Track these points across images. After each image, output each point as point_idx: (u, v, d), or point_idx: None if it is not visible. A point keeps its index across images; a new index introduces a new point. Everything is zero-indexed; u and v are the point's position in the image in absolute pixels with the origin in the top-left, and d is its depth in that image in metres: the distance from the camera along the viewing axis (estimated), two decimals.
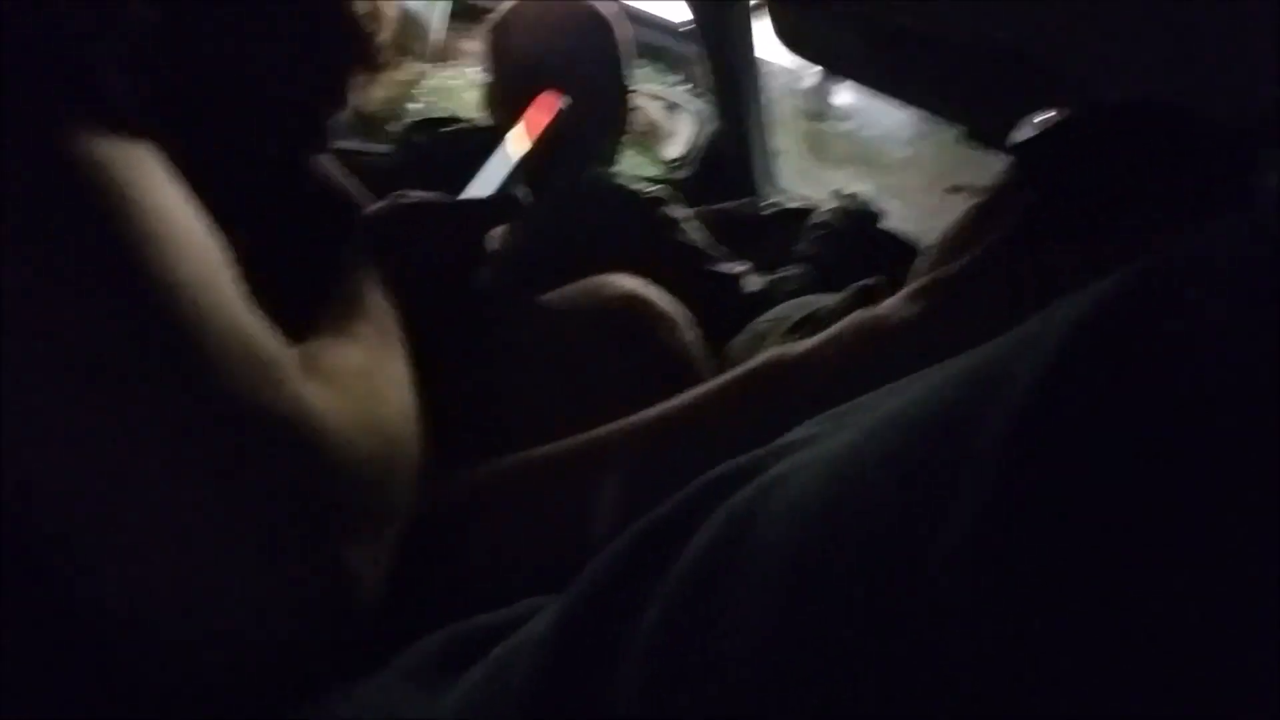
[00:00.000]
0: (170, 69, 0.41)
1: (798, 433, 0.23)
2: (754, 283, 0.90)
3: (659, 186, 0.86)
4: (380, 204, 0.54)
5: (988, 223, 0.61)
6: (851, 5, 0.94)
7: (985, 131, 1.01)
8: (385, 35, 0.56)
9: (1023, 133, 0.97)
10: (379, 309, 0.45)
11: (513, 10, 0.87)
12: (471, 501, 0.46)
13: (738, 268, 0.89)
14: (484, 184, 0.57)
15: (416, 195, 0.54)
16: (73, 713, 0.29)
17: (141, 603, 0.27)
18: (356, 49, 0.53)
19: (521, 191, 0.56)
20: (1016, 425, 0.15)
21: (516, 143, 0.58)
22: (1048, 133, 0.63)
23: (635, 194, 0.83)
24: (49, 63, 0.29)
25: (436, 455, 0.51)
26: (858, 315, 0.44)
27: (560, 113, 0.59)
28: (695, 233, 0.87)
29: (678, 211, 0.86)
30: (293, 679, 0.29)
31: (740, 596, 0.17)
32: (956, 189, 0.70)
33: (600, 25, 0.88)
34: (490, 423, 0.53)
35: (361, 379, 0.36)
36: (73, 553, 0.27)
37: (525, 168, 0.57)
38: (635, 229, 0.81)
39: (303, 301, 0.43)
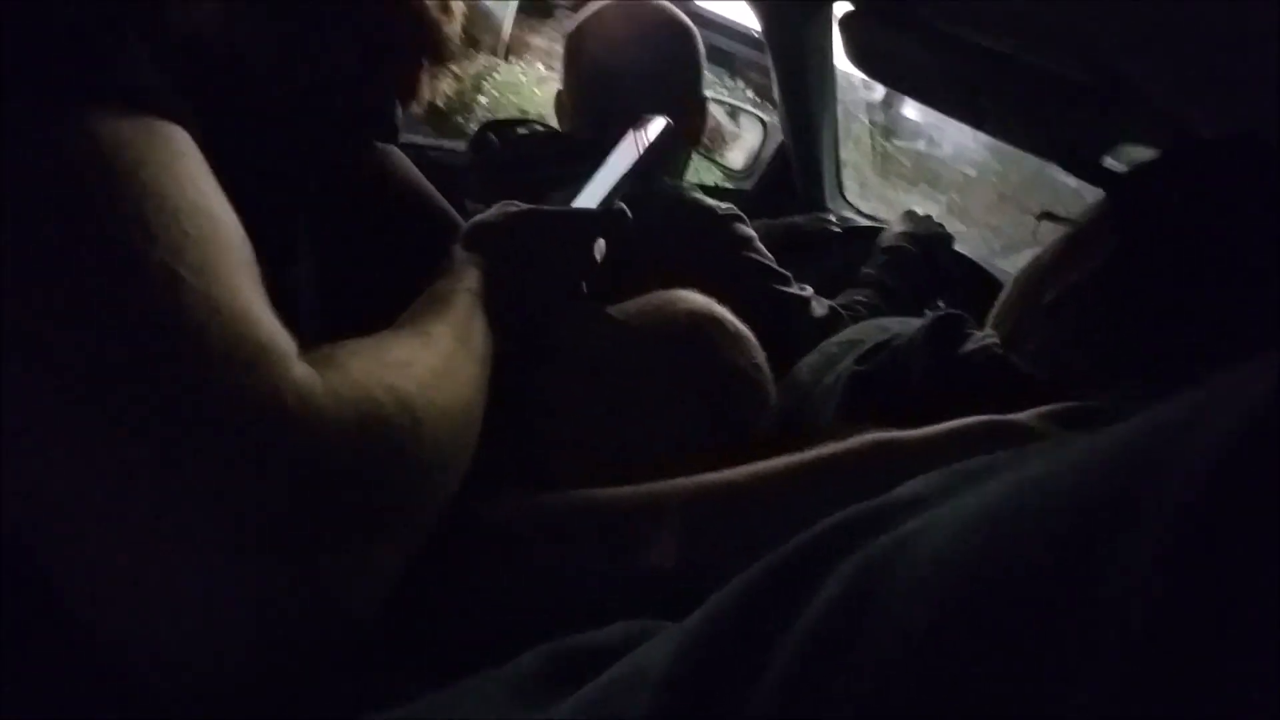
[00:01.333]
0: (233, 57, 0.42)
1: (915, 488, 0.22)
2: (820, 307, 0.88)
3: (729, 204, 0.85)
4: (490, 212, 0.54)
5: (1076, 259, 0.59)
6: (923, 24, 0.91)
7: (1065, 161, 0.97)
8: (454, 27, 0.56)
9: (1117, 165, 0.94)
10: (466, 315, 0.44)
11: (591, 17, 0.86)
12: (535, 528, 0.45)
13: (805, 291, 0.88)
14: (590, 196, 0.57)
15: (525, 205, 0.54)
16: (69, 713, 0.29)
17: (110, 595, 0.27)
18: (425, 41, 0.53)
19: (623, 208, 0.56)
20: (1209, 479, 0.14)
21: (623, 157, 0.58)
22: (1145, 168, 0.60)
23: (709, 210, 0.82)
24: (69, 38, 0.29)
25: (500, 462, 0.51)
26: (993, 419, 0.41)
27: (667, 130, 0.59)
28: (764, 253, 0.85)
29: (747, 230, 0.84)
30: (277, 679, 0.29)
31: (872, 657, 0.16)
32: (1046, 217, 0.67)
33: (679, 34, 0.87)
34: (554, 433, 0.53)
35: (401, 381, 0.34)
36: (47, 544, 0.27)
37: (631, 184, 0.57)
38: (706, 245, 0.80)
39: (380, 292, 0.44)
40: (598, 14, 0.86)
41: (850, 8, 1.01)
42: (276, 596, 0.28)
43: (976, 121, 1.06)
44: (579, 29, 0.86)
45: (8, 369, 0.26)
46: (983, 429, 0.40)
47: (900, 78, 1.10)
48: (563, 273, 0.53)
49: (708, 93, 1.69)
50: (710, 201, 0.83)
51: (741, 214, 0.84)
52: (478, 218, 0.52)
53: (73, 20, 0.29)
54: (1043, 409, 0.41)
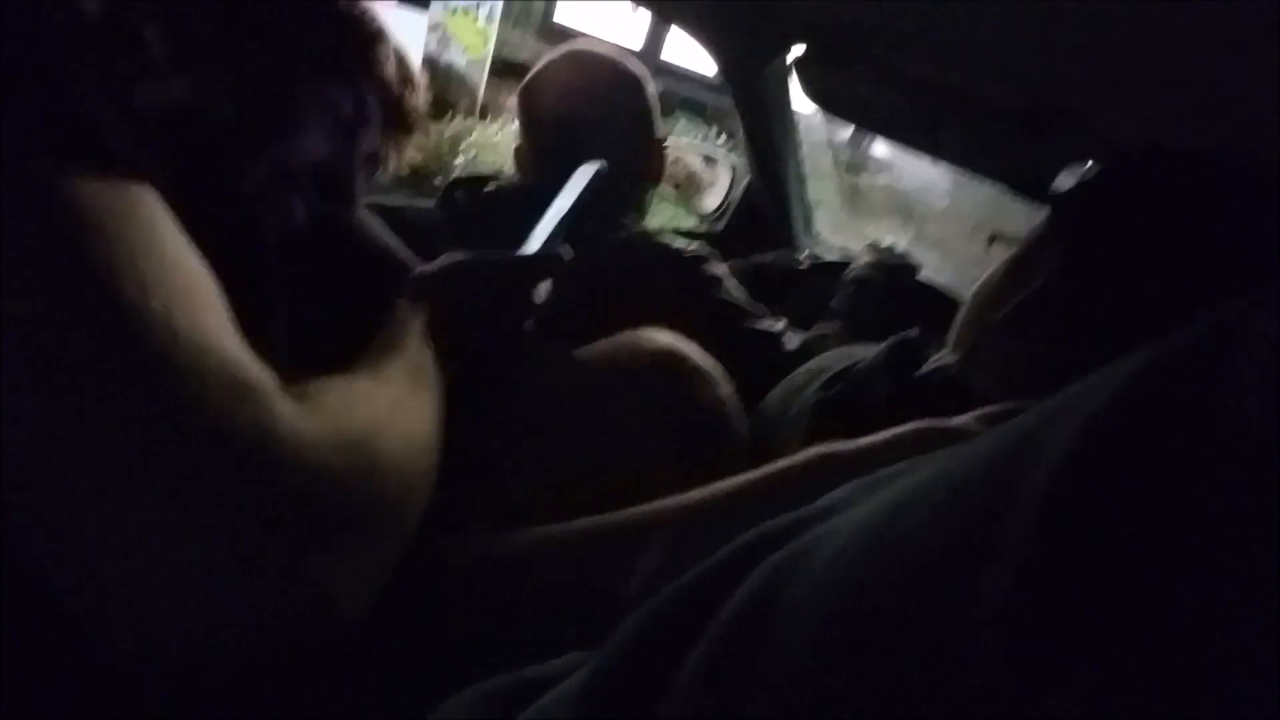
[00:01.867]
0: (191, 119, 0.44)
1: (834, 496, 0.23)
2: (793, 340, 0.89)
3: (699, 243, 0.87)
4: (433, 264, 0.56)
5: (1023, 275, 0.61)
6: (875, 63, 0.95)
7: (1021, 185, 1.00)
8: (417, 99, 0.59)
9: (1060, 184, 0.97)
10: (416, 355, 0.47)
11: (541, 71, 0.89)
12: (517, 561, 0.46)
13: (778, 325, 0.90)
14: (532, 242, 0.59)
15: (465, 254, 0.56)
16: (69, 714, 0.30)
17: (109, 611, 0.28)
18: (390, 114, 0.55)
19: (564, 248, 0.59)
20: (1052, 487, 0.15)
21: (562, 202, 0.60)
22: (1082, 185, 0.63)
23: (678, 252, 0.84)
24: (41, 100, 0.31)
25: (473, 506, 0.52)
26: (926, 424, 0.43)
27: (598, 175, 0.61)
28: (735, 291, 0.87)
29: (718, 269, 0.86)
30: (276, 691, 0.31)
31: (773, 659, 0.17)
32: (995, 238, 0.69)
33: (628, 81, 0.89)
34: (525, 475, 0.53)
35: (366, 414, 0.37)
36: (50, 562, 0.28)
37: (569, 227, 0.59)
38: (676, 286, 0.81)
39: (344, 344, 0.45)
40: (546, 67, 0.88)
41: (803, 51, 1.05)
42: (274, 599, 0.30)
43: (935, 152, 1.10)
44: (530, 82, 0.89)
45: (24, 418, 0.27)
46: (918, 434, 0.42)
47: (858, 114, 1.13)
48: (504, 315, 0.55)
49: (682, 141, 1.73)
50: (679, 243, 0.85)
51: (710, 253, 0.86)
52: (420, 269, 0.55)
53: (47, 85, 0.31)
54: (980, 411, 0.42)
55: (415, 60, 0.63)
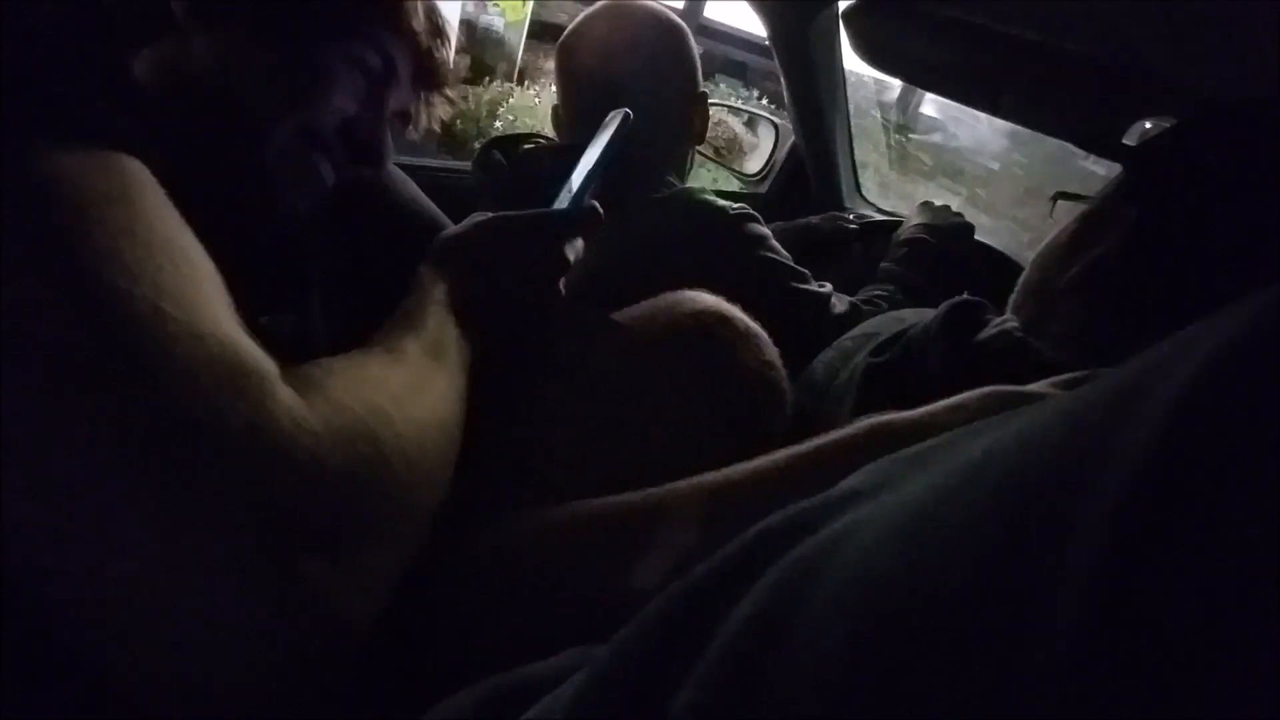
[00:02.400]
0: (227, 92, 0.42)
1: (856, 479, 0.20)
2: (841, 304, 0.86)
3: (742, 204, 0.84)
4: (457, 227, 0.54)
5: (1094, 237, 0.57)
6: (932, 8, 0.90)
7: (1088, 142, 0.94)
8: (447, 54, 0.56)
9: (1133, 139, 0.91)
10: (436, 327, 0.44)
11: (579, 27, 0.86)
12: (540, 543, 0.45)
13: (825, 287, 0.86)
14: (562, 199, 0.56)
15: (492, 214, 0.54)
16: None
17: (101, 619, 0.27)
18: (420, 70, 0.53)
19: (595, 204, 0.55)
20: (1137, 484, 0.12)
21: (588, 157, 0.57)
22: (1159, 139, 0.58)
23: (721, 210, 0.81)
24: (32, 76, 0.29)
25: (512, 477, 0.50)
26: (998, 390, 0.39)
27: (624, 123, 0.58)
28: (780, 251, 0.84)
29: (761, 229, 0.83)
30: (277, 697, 0.29)
31: (795, 668, 0.15)
32: (1061, 196, 0.65)
33: (669, 34, 0.86)
34: (562, 445, 0.52)
35: (374, 400, 0.35)
36: (40, 568, 0.27)
37: (599, 180, 0.56)
38: (719, 246, 0.78)
39: (376, 313, 0.44)
40: (584, 22, 0.85)
41: (853, 1, 1.00)
42: (277, 604, 0.28)
43: (992, 108, 1.04)
44: (567, 38, 0.86)
45: (10, 410, 0.26)
46: (987, 400, 0.38)
47: (908, 69, 1.08)
48: (535, 276, 0.52)
49: (725, 102, 1.68)
50: (721, 202, 0.82)
51: (754, 213, 0.83)
52: (445, 233, 0.52)
53: (26, 57, 0.30)
54: (1056, 379, 0.39)
55: (452, 22, 0.61)
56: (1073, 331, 0.53)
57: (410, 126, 0.57)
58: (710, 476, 0.41)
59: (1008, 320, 0.58)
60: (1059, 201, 0.67)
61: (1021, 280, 0.62)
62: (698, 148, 0.95)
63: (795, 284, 0.82)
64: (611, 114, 0.59)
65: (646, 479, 0.46)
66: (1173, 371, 0.13)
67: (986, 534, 0.14)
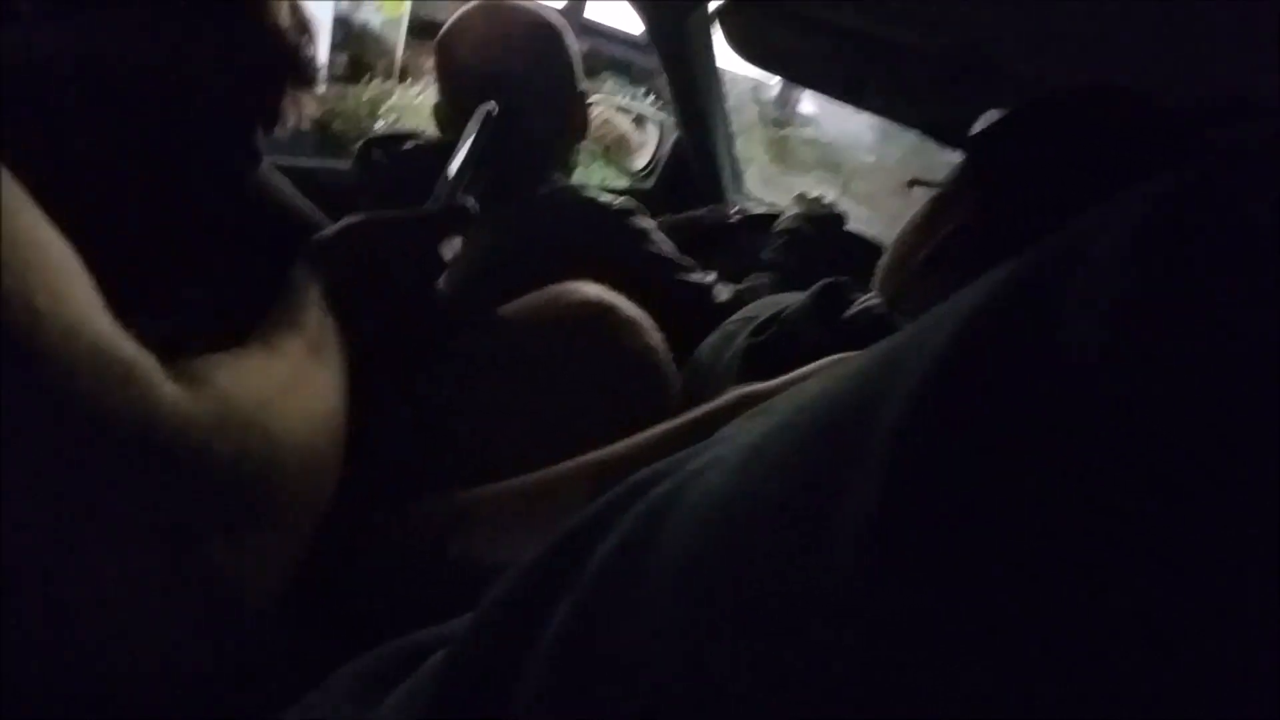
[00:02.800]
0: (92, 81, 0.41)
1: (721, 433, 0.22)
2: (724, 292, 0.90)
3: (625, 198, 0.86)
4: (330, 228, 0.53)
5: (943, 217, 0.62)
6: (798, 8, 0.95)
7: (942, 133, 1.02)
8: (314, 50, 0.55)
9: (980, 127, 0.99)
10: (314, 325, 0.44)
11: (457, 23, 0.85)
12: (449, 526, 0.45)
13: (708, 278, 0.89)
14: (435, 197, 0.56)
15: (364, 216, 0.54)
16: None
17: (20, 608, 0.27)
18: (286, 65, 0.52)
19: (470, 201, 0.56)
20: (906, 416, 0.14)
21: (458, 155, 0.58)
22: (994, 126, 0.64)
23: (604, 205, 0.82)
24: None
25: (406, 471, 0.50)
26: (841, 358, 0.43)
27: (488, 119, 0.58)
28: (664, 243, 0.86)
29: (645, 222, 0.85)
30: (188, 682, 0.29)
31: (646, 593, 0.17)
32: (915, 183, 0.70)
33: (547, 31, 0.87)
34: (457, 435, 0.52)
35: (260, 392, 0.35)
36: None
37: (470, 176, 0.56)
38: (604, 240, 0.80)
39: (253, 313, 0.43)
40: (462, 18, 0.85)
41: (725, 1, 1.04)
42: (180, 586, 0.29)
43: (857, 101, 1.11)
44: (445, 36, 0.85)
45: None
46: (835, 366, 0.42)
47: (781, 65, 1.13)
48: (411, 275, 0.53)
49: (611, 100, 1.70)
50: (605, 197, 0.84)
51: (637, 207, 0.85)
52: (318, 234, 0.52)
53: None
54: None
55: (325, 19, 0.60)
56: (927, 305, 0.57)
57: (279, 125, 0.55)
58: (594, 454, 0.43)
59: (871, 298, 0.63)
60: (915, 188, 0.73)
61: (882, 261, 0.67)
62: (587, 145, 0.96)
63: (680, 275, 0.85)
64: (478, 109, 0.59)
65: (543, 462, 0.47)
66: (939, 328, 0.16)
67: (802, 456, 0.16)
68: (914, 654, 0.13)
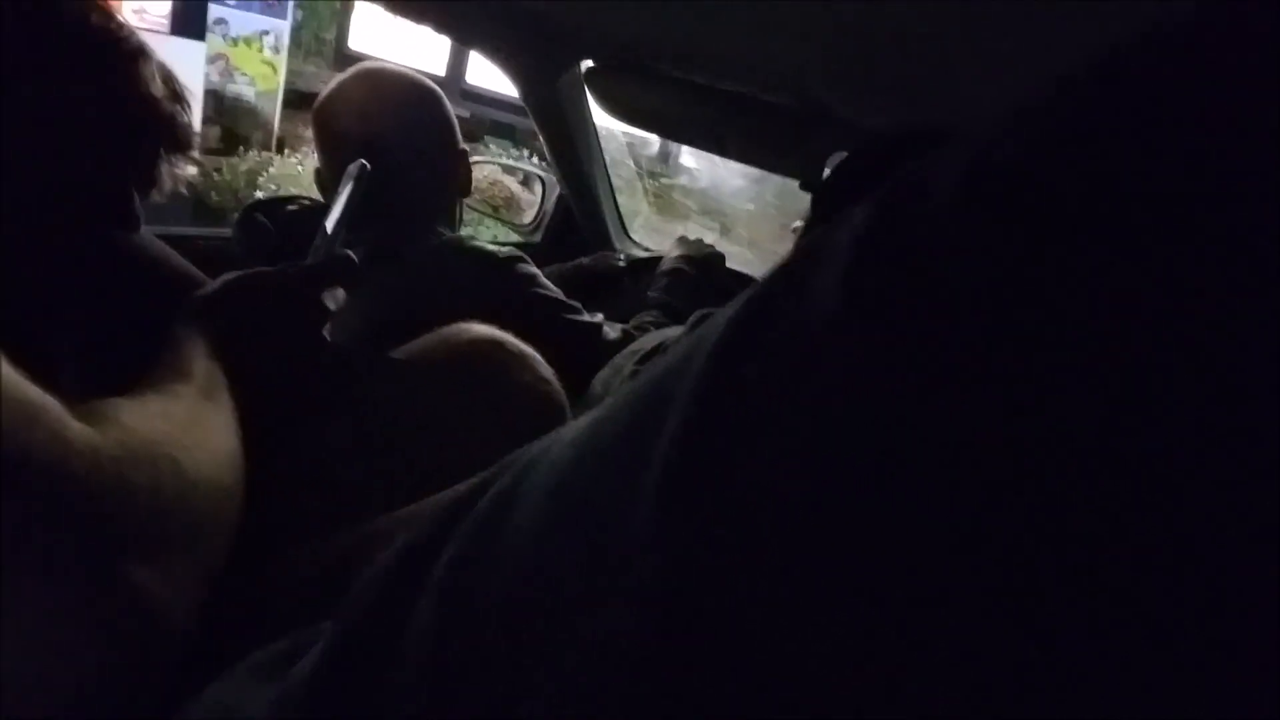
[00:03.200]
0: None
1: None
2: (613, 331, 0.94)
3: (510, 247, 0.90)
4: (208, 286, 0.54)
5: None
6: (656, 69, 1.03)
7: (800, 176, 1.12)
8: (188, 117, 0.57)
9: (831, 168, 1.09)
10: (203, 373, 0.46)
11: (334, 91, 0.88)
12: (350, 552, 0.47)
13: (598, 317, 0.93)
14: (315, 251, 0.58)
15: (243, 272, 0.55)
16: None
17: None
18: (160, 131, 0.54)
19: (346, 253, 0.58)
20: (700, 374, 0.18)
21: (332, 212, 0.60)
22: (834, 171, 0.72)
23: (491, 254, 0.85)
24: None
25: (309, 515, 0.51)
26: None
27: (361, 174, 0.61)
28: (550, 288, 0.90)
29: (531, 268, 0.89)
30: (119, 704, 0.30)
31: (509, 531, 0.20)
32: (796, 229, 0.78)
33: (423, 93, 0.90)
34: (358, 477, 0.54)
35: (163, 428, 0.37)
36: None
37: (347, 231, 0.59)
38: (492, 288, 0.83)
39: (133, 369, 0.44)
40: (339, 86, 0.88)
41: (591, 65, 1.12)
42: (107, 611, 0.30)
43: (722, 151, 1.20)
44: (323, 103, 0.88)
45: None
46: None
47: (648, 121, 1.21)
48: (297, 327, 0.54)
49: (499, 162, 1.75)
50: (490, 247, 0.87)
51: (521, 255, 0.89)
52: (197, 293, 0.53)
53: None
54: None
55: (196, 91, 0.62)
56: None
57: (155, 190, 0.56)
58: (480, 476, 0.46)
59: None
60: (797, 231, 0.80)
61: None
62: (477, 203, 0.99)
63: (567, 315, 0.89)
64: (350, 167, 0.62)
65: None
66: (734, 304, 0.19)
67: (628, 414, 0.20)
68: (703, 582, 0.16)
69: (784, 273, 0.19)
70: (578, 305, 0.91)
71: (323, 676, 0.22)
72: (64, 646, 0.29)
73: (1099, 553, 0.13)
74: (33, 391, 0.30)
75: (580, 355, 0.85)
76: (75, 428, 0.31)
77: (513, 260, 0.87)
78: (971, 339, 0.15)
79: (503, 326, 0.63)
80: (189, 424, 0.39)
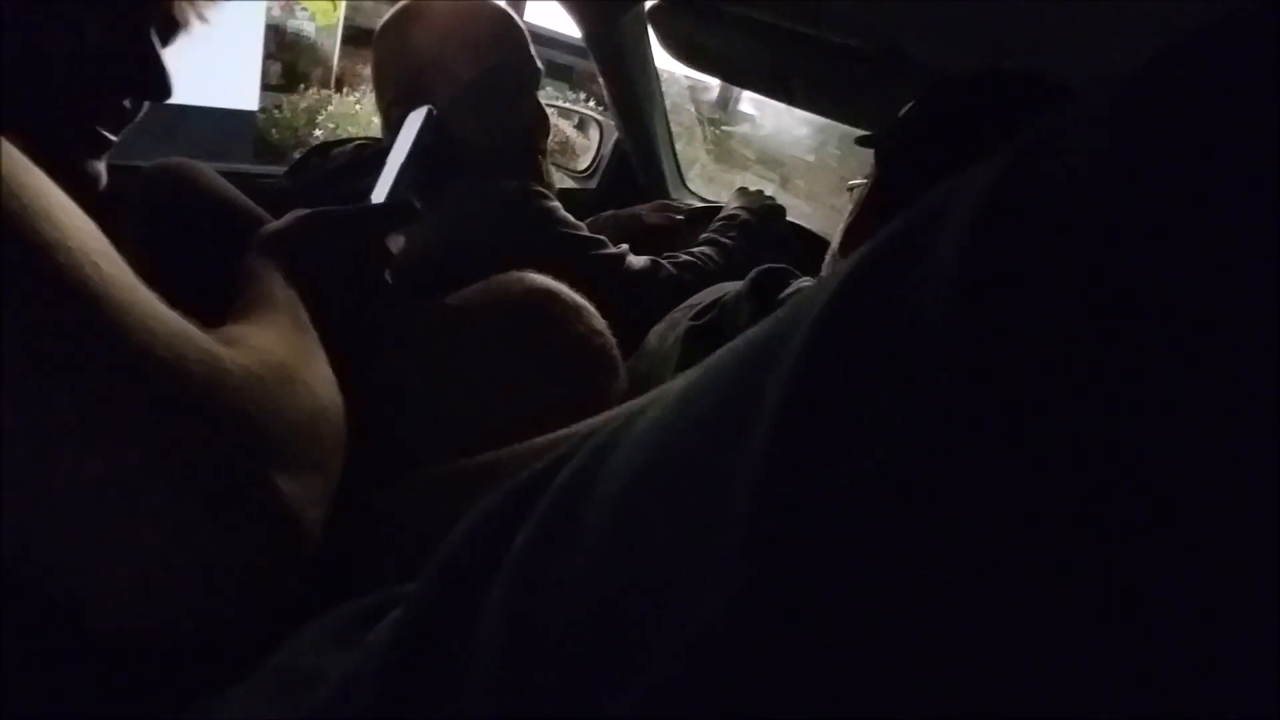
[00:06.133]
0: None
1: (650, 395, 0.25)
2: (638, 261, 0.89)
3: (519, 183, 0.84)
4: (280, 221, 0.54)
5: (874, 213, 0.65)
6: (725, 8, 0.98)
7: (858, 123, 1.06)
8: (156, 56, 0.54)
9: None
10: (291, 305, 0.46)
11: (387, 24, 0.84)
12: (406, 506, 0.47)
13: (623, 248, 0.89)
14: (378, 193, 0.58)
15: (312, 210, 0.54)
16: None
17: (92, 574, 0.28)
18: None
19: (412, 197, 0.57)
20: (802, 348, 0.16)
21: (394, 154, 0.59)
22: (896, 118, 0.67)
23: (510, 192, 0.82)
24: None
25: (361, 463, 0.51)
26: None
27: (428, 118, 0.60)
28: (570, 222, 0.85)
29: (549, 204, 0.84)
30: (256, 620, 0.32)
31: (590, 512, 0.19)
32: (853, 187, 0.74)
33: (489, 23, 0.85)
34: (407, 423, 0.53)
35: (282, 351, 0.38)
36: (11, 532, 0.27)
37: (413, 173, 0.58)
38: (516, 229, 0.80)
39: (197, 298, 0.44)
40: (400, 13, 0.84)
41: (657, 1, 1.07)
42: (251, 522, 0.31)
43: (787, 97, 1.15)
44: (384, 30, 0.85)
45: None
46: None
47: (711, 63, 1.16)
48: (358, 268, 0.54)
49: (554, 104, 1.71)
50: (511, 185, 0.83)
51: (541, 190, 0.84)
52: (267, 227, 0.53)
53: None
54: None
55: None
56: None
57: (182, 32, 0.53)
58: (545, 438, 0.45)
59: (806, 281, 0.66)
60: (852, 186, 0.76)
61: (825, 263, 0.70)
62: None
63: (592, 251, 0.85)
64: (414, 112, 0.61)
65: (492, 447, 0.49)
66: (831, 281, 0.18)
67: (721, 389, 0.18)
68: (806, 554, 0.15)
69: (892, 241, 0.17)
70: (600, 239, 0.87)
71: (395, 655, 0.22)
72: (213, 555, 0.30)
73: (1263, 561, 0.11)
74: (171, 316, 0.31)
75: (608, 287, 0.81)
76: (222, 351, 0.32)
77: (528, 196, 0.82)
78: (1125, 324, 0.13)
79: (529, 264, 0.60)
80: (301, 350, 0.40)
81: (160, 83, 0.47)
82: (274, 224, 0.54)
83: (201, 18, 0.51)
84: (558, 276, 0.60)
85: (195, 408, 0.30)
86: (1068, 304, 0.13)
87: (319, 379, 0.39)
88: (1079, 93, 0.17)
